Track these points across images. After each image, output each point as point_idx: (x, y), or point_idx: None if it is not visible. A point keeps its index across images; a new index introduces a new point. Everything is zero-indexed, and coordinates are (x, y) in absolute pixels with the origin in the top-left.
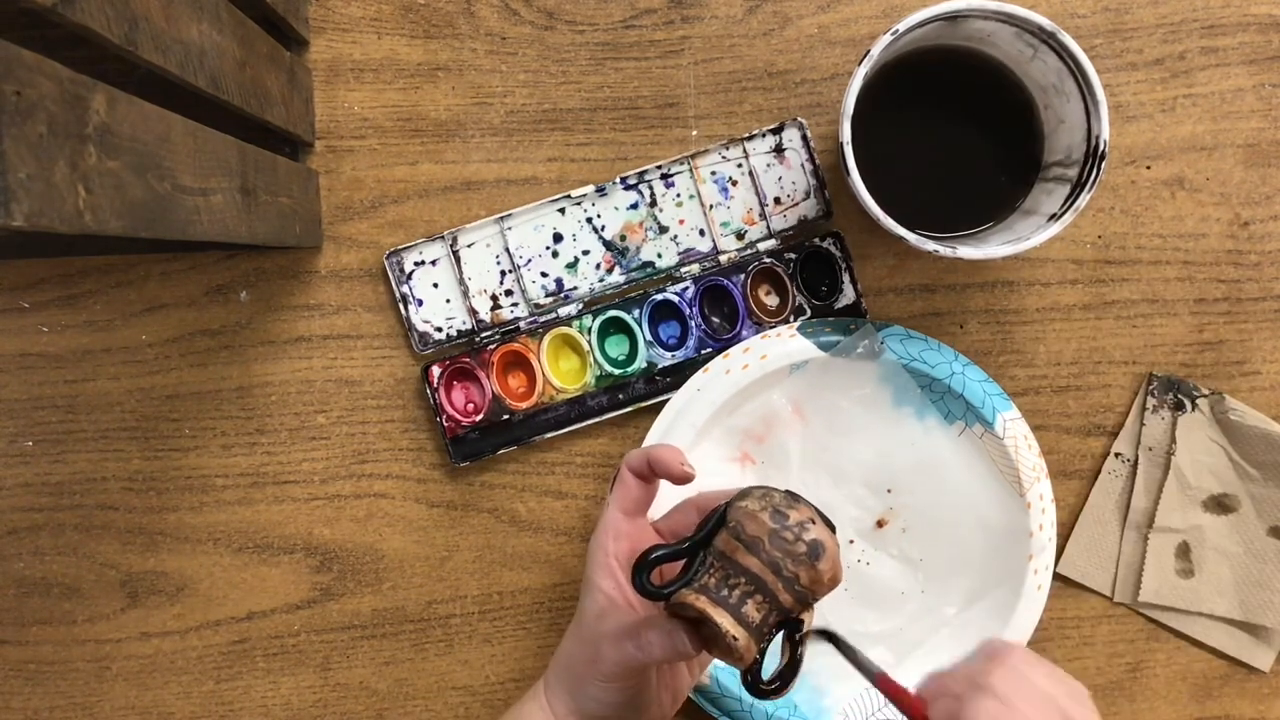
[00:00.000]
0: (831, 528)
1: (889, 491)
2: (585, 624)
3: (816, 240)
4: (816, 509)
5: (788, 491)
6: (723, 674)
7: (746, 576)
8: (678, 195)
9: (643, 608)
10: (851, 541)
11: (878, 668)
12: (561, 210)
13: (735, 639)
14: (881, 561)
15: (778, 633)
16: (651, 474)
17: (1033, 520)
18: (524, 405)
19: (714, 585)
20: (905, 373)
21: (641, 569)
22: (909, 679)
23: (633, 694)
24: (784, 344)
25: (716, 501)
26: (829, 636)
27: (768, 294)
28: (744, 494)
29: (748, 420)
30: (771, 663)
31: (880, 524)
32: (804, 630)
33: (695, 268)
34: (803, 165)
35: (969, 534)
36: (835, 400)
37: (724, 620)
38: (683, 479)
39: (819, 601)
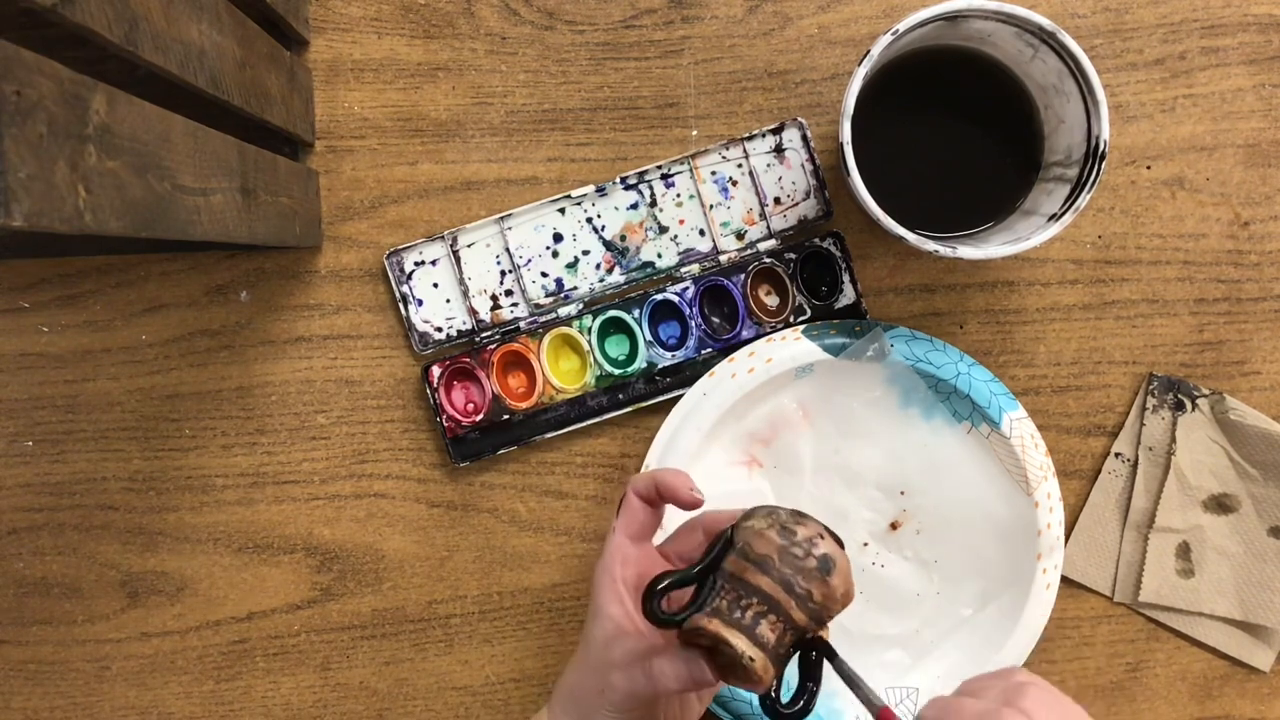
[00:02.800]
0: (840, 543)
1: (902, 494)
2: (593, 651)
3: (816, 240)
4: (824, 525)
5: (794, 510)
6: None
7: (759, 596)
8: (678, 195)
9: (652, 635)
10: (866, 544)
11: (881, 701)
12: (561, 210)
13: (752, 659)
14: (896, 564)
15: (794, 653)
16: (659, 498)
17: (1041, 519)
18: (524, 405)
19: (726, 608)
20: (913, 374)
21: (651, 596)
22: (925, 681)
23: None
24: (789, 347)
25: (722, 522)
26: (833, 662)
27: (768, 294)
28: (750, 514)
29: (755, 424)
30: (788, 696)
31: (894, 526)
32: (820, 650)
33: (695, 268)
34: (803, 165)
35: (981, 534)
36: (844, 403)
37: (739, 642)
38: (692, 504)
39: (833, 619)
